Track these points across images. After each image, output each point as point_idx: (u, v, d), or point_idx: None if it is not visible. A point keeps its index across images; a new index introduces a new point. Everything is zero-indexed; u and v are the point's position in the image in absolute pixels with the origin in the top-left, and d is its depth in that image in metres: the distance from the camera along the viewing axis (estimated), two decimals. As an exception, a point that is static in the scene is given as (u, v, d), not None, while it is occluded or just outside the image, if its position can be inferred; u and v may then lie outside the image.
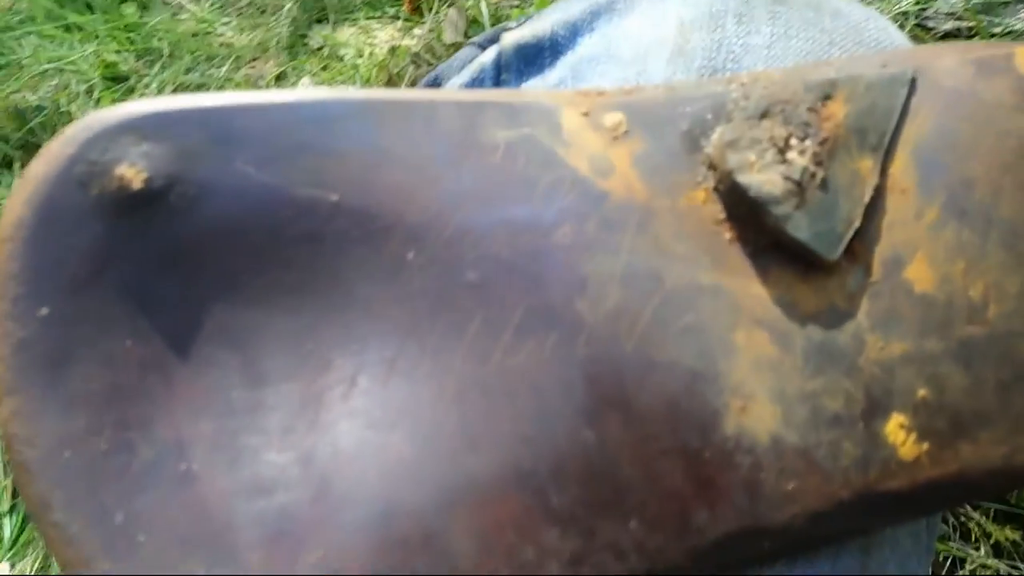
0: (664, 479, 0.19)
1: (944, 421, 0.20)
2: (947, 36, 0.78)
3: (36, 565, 0.69)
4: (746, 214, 0.21)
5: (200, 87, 1.08)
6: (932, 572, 0.56)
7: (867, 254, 0.21)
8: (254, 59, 1.12)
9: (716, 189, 0.22)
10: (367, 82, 0.99)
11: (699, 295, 0.21)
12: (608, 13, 0.28)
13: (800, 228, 0.21)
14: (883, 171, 0.22)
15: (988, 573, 0.55)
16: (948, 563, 0.56)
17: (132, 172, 0.19)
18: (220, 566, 0.18)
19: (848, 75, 0.23)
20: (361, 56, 1.10)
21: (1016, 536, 0.55)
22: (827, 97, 0.22)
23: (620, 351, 0.20)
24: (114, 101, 1.07)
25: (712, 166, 0.22)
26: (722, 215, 0.22)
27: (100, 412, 0.18)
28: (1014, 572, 0.54)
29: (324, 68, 1.08)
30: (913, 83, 0.23)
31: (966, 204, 0.22)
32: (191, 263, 0.19)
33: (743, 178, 0.21)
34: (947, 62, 0.23)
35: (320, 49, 1.13)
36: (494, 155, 0.21)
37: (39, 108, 1.00)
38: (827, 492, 0.20)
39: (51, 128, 1.02)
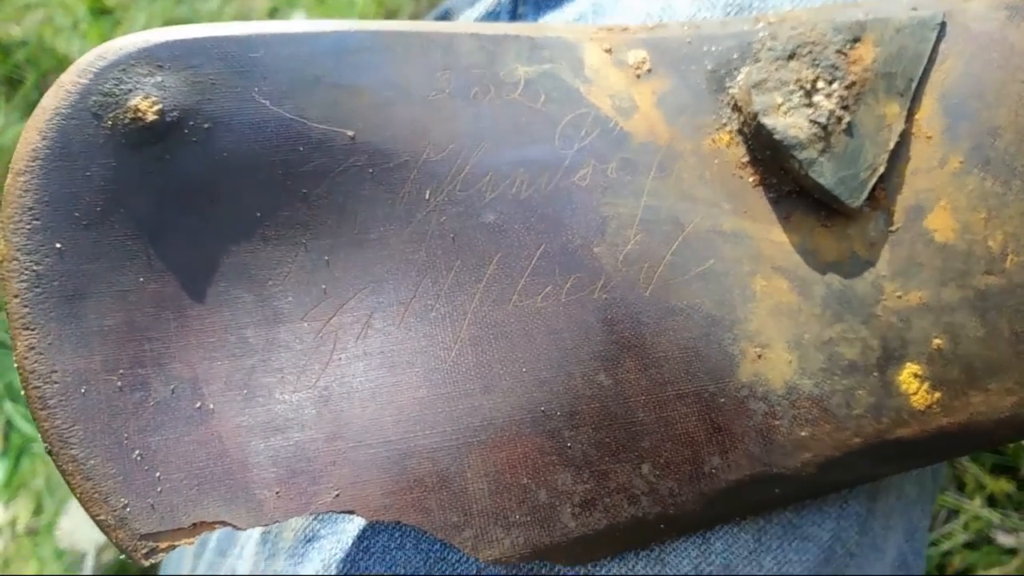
0: (678, 424, 0.19)
1: (957, 371, 0.21)
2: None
3: (31, 507, 0.70)
4: (770, 158, 0.21)
5: (189, 20, 1.05)
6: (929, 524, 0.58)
7: (889, 201, 0.21)
8: (246, -8, 1.08)
9: (741, 131, 0.21)
10: (363, 19, 0.97)
11: (719, 240, 0.21)
12: None
13: (824, 174, 0.21)
14: (909, 116, 0.22)
15: (980, 524, 0.56)
16: (944, 515, 0.57)
17: (146, 104, 0.18)
18: (235, 503, 0.18)
19: (877, 18, 0.22)
20: (356, -8, 1.07)
21: (1010, 488, 0.56)
22: (856, 40, 0.22)
23: (638, 296, 0.20)
24: (100, 35, 1.04)
25: (737, 107, 0.22)
26: (746, 158, 0.21)
27: (115, 348, 0.18)
28: (1006, 520, 0.55)
29: (320, 2, 1.06)
30: (943, 27, 0.22)
31: (990, 153, 0.22)
32: (206, 197, 0.19)
33: (769, 120, 0.21)
34: (978, 5, 0.23)
35: (314, -17, 1.09)
36: (514, 91, 0.21)
37: (23, 42, 0.97)
38: (839, 440, 0.20)
39: (35, 63, 0.99)
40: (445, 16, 0.32)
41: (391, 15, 0.93)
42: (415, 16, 0.94)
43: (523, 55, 0.21)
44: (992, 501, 0.56)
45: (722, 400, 0.20)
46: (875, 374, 0.20)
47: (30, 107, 1.01)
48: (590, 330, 0.20)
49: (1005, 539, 0.55)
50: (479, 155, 0.20)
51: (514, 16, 0.28)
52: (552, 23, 0.22)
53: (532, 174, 0.20)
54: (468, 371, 0.19)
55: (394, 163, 0.20)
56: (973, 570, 0.55)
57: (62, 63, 1.04)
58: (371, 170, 0.19)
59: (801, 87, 0.21)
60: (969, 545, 0.56)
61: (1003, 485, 0.56)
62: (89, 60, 0.18)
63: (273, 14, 1.06)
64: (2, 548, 0.75)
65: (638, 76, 0.22)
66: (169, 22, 1.05)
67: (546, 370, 0.19)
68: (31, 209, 0.17)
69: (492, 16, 0.28)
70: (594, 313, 0.20)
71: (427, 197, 0.20)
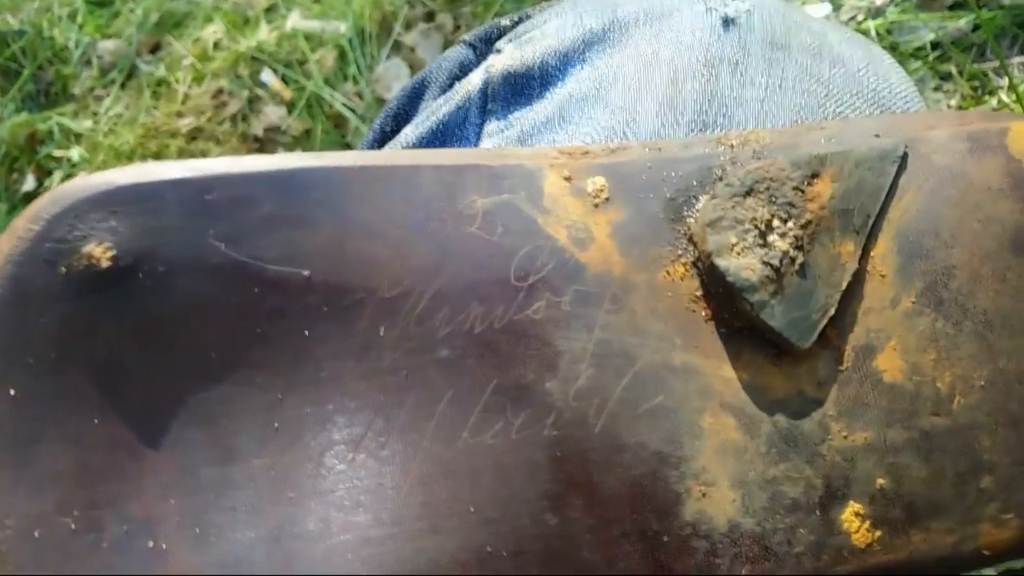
0: (622, 562, 0.20)
1: (899, 510, 0.21)
2: (955, 6, 0.76)
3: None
4: (723, 296, 0.21)
5: (186, 15, 1.04)
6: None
7: (840, 341, 0.22)
8: (244, -13, 1.08)
9: (695, 264, 0.22)
10: (359, 18, 0.96)
11: (670, 376, 0.21)
12: (601, 43, 0.27)
13: (775, 316, 0.21)
14: (864, 254, 0.22)
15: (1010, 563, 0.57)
16: None
17: (100, 251, 0.18)
18: None
19: (837, 150, 0.22)
20: (355, -11, 1.06)
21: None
22: (814, 175, 0.22)
23: (587, 432, 0.20)
24: (97, 26, 1.04)
25: (693, 241, 0.22)
26: (699, 292, 0.22)
27: (69, 491, 0.18)
28: None
29: (316, 1, 1.05)
30: (903, 159, 0.23)
31: (943, 293, 0.22)
32: (160, 340, 0.19)
33: (722, 262, 0.21)
34: (940, 135, 0.23)
35: (313, -21, 1.08)
36: (472, 224, 0.21)
37: (20, 32, 0.97)
38: None
39: (32, 53, 0.99)
40: (420, 85, 0.32)
41: (387, 19, 0.92)
42: (409, 22, 0.93)
43: (482, 186, 0.21)
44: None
45: (666, 538, 0.20)
46: (817, 512, 0.21)
47: (27, 98, 1.01)
48: (538, 468, 0.20)
49: (991, 572, 0.56)
50: (434, 290, 0.20)
51: (483, 112, 0.28)
52: (513, 148, 0.22)
53: (487, 308, 0.21)
54: (415, 511, 0.19)
55: (349, 301, 0.20)
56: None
57: (59, 54, 1.04)
58: (326, 308, 0.20)
59: (756, 227, 0.21)
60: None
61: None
62: (42, 205, 0.18)
63: (271, 11, 1.05)
64: None
65: (596, 205, 0.22)
66: (166, 15, 1.05)
67: (493, 509, 0.20)
68: None
69: (462, 111, 0.28)
70: (544, 450, 0.20)
71: (382, 334, 0.20)
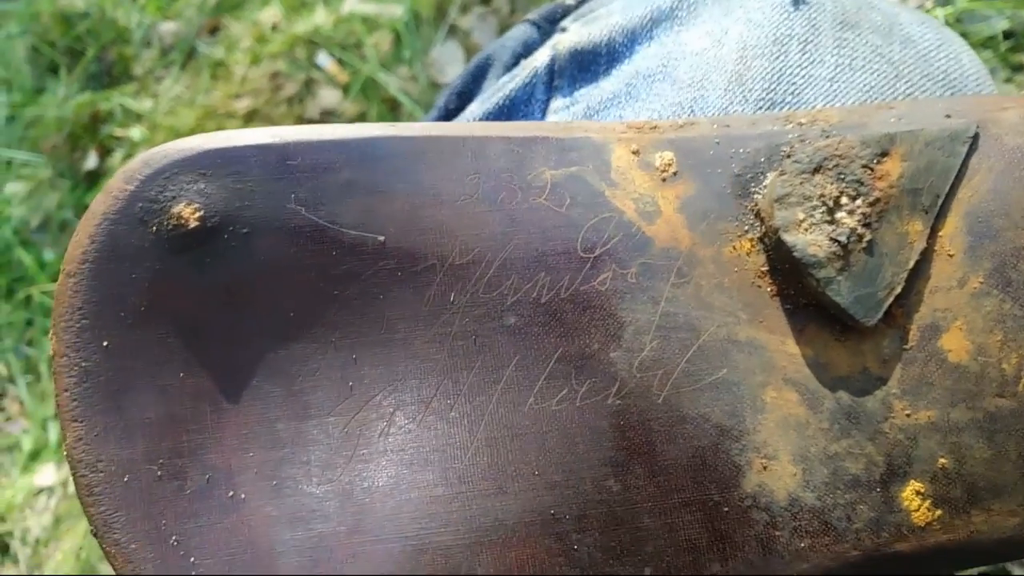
0: (681, 531, 0.20)
1: (960, 490, 0.21)
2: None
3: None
4: (789, 272, 0.21)
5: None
6: None
7: (905, 319, 0.22)
8: (301, -30, 1.09)
9: (762, 240, 0.22)
10: (416, 2, 0.97)
11: (734, 350, 0.21)
12: (669, 20, 0.27)
13: (841, 292, 0.21)
14: (932, 234, 0.22)
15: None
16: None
17: (189, 211, 0.19)
18: None
19: (908, 130, 0.22)
20: (412, -27, 1.07)
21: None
22: (884, 154, 0.22)
23: (651, 403, 0.21)
24: (159, 8, 1.06)
25: (760, 216, 0.22)
26: (765, 268, 0.22)
27: (156, 439, 0.19)
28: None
29: (372, -15, 1.05)
30: (975, 140, 0.22)
31: (1012, 274, 0.22)
32: (242, 298, 0.20)
33: (789, 237, 0.21)
34: (1012, 116, 0.23)
35: (369, -36, 1.09)
36: (540, 195, 0.21)
37: (85, 14, 1.00)
38: (837, 552, 0.21)
39: (96, 34, 1.02)
40: (485, 62, 0.32)
41: (443, 1, 0.93)
42: (466, 6, 0.94)
43: (551, 158, 0.22)
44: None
45: (726, 509, 0.20)
46: (878, 490, 0.21)
47: (90, 78, 1.04)
48: (602, 435, 0.21)
49: (1020, 572, 0.55)
50: (503, 258, 0.21)
51: (549, 88, 0.28)
52: (581, 122, 0.22)
53: (553, 278, 0.21)
54: (483, 472, 0.20)
55: (421, 266, 0.21)
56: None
57: (122, 35, 1.06)
58: (399, 273, 0.20)
59: (824, 203, 0.21)
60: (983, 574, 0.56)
61: None
62: (135, 167, 0.19)
63: (326, -7, 1.06)
64: (54, 506, 0.79)
65: (663, 179, 0.22)
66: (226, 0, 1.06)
67: (557, 474, 0.20)
68: (80, 309, 0.19)
69: (528, 87, 0.29)
70: (607, 418, 0.21)
71: (452, 299, 0.21)
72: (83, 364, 0.19)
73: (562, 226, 0.21)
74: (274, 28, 1.01)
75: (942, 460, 0.21)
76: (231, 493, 0.19)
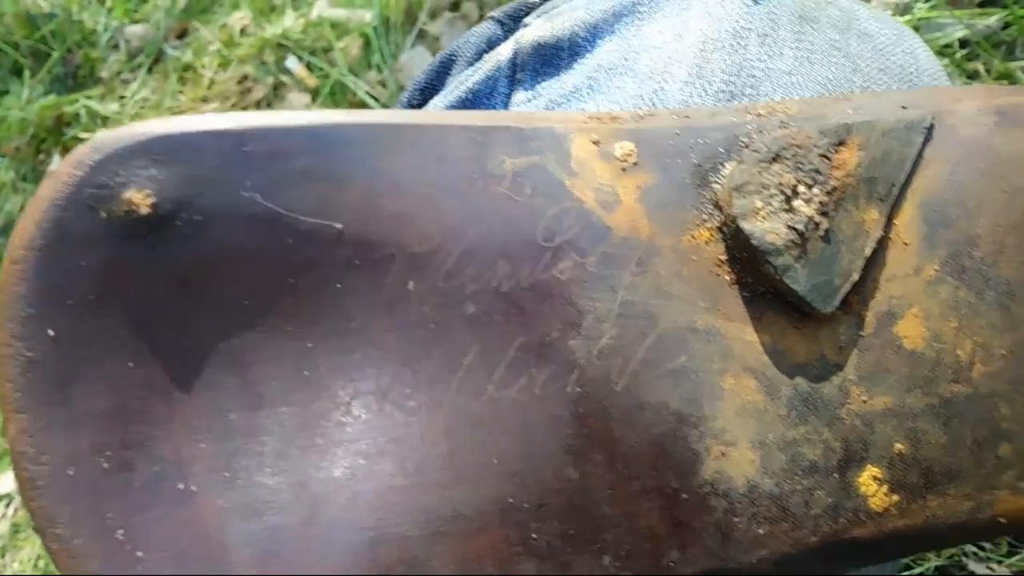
0: (640, 518, 0.20)
1: (917, 475, 0.21)
2: (985, 3, 0.75)
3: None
4: (747, 260, 0.22)
5: (214, 2, 1.05)
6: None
7: (862, 307, 0.22)
8: (271, -26, 1.08)
9: (720, 230, 0.22)
10: (385, 7, 0.97)
11: (692, 337, 0.21)
12: (631, 15, 0.28)
13: (798, 280, 0.21)
14: (888, 222, 0.22)
15: (954, 551, 0.57)
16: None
17: (140, 196, 0.19)
18: None
19: (864, 120, 0.22)
20: (382, -21, 1.07)
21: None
22: (841, 143, 0.22)
23: (610, 390, 0.21)
24: (126, 11, 1.05)
25: (719, 206, 0.22)
26: (723, 256, 0.22)
27: (103, 431, 0.19)
28: (979, 553, 0.56)
29: (343, -10, 1.05)
30: (930, 130, 0.23)
31: (966, 262, 0.22)
32: (195, 287, 0.19)
33: (747, 225, 0.21)
34: (968, 107, 0.23)
35: (339, -33, 1.09)
36: (501, 184, 0.21)
37: (51, 15, 0.98)
38: (796, 538, 0.21)
39: (62, 36, 1.00)
40: (449, 59, 0.32)
41: (412, 6, 0.93)
42: (435, 9, 0.94)
43: (512, 147, 0.21)
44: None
45: (684, 496, 0.20)
46: (835, 475, 0.21)
47: (55, 81, 1.02)
48: (561, 423, 0.20)
49: (976, 567, 0.56)
50: (463, 247, 0.21)
51: (512, 82, 0.28)
52: (542, 112, 0.22)
53: (513, 267, 0.21)
54: (441, 461, 0.20)
55: (379, 254, 0.20)
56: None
57: (88, 37, 1.05)
58: (357, 261, 0.20)
59: (781, 192, 0.21)
60: (941, 571, 0.57)
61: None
62: (85, 152, 0.19)
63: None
64: (12, 515, 0.77)
65: (623, 169, 0.22)
66: (193, 1, 1.05)
67: (516, 462, 0.20)
68: (25, 297, 0.18)
69: (491, 81, 0.28)
70: (567, 406, 0.20)
71: (410, 288, 0.20)
72: (27, 354, 0.18)
73: (522, 215, 0.21)
74: (243, 32, 1.00)
75: (899, 446, 0.21)
76: (181, 485, 0.19)
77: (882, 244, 0.22)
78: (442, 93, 0.30)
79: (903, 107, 0.23)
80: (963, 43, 0.78)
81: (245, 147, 0.20)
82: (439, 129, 0.21)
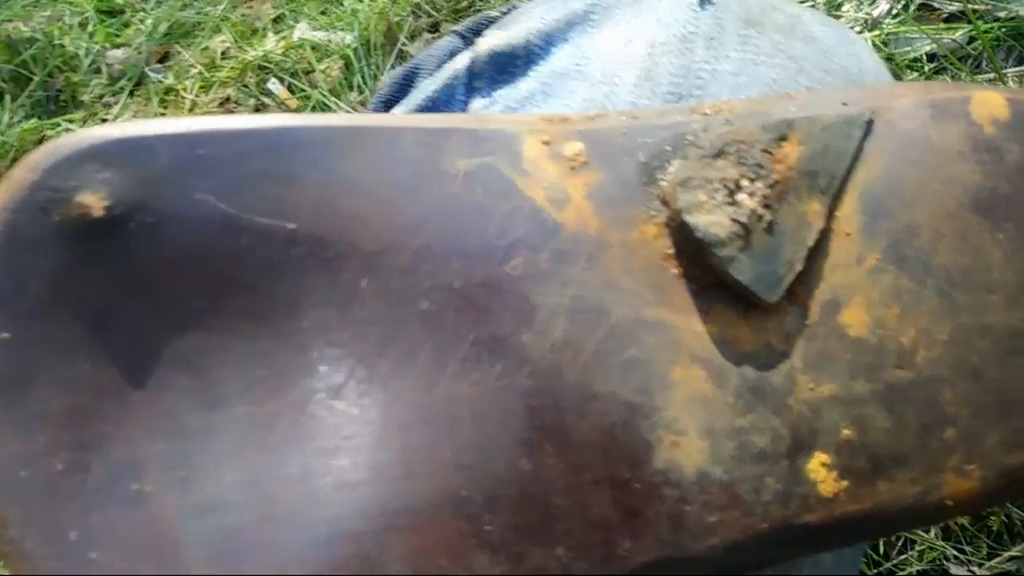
0: (592, 508, 0.21)
1: (864, 460, 0.22)
2: (951, 19, 0.77)
3: None
4: (693, 252, 0.22)
5: (196, 24, 1.06)
6: (884, 551, 0.59)
7: (806, 296, 0.22)
8: (251, -2, 1.10)
9: (667, 225, 0.22)
10: (365, 29, 0.98)
11: (642, 330, 0.22)
12: (583, 23, 0.28)
13: (743, 271, 0.22)
14: (830, 214, 0.23)
15: (935, 554, 0.57)
16: (900, 543, 0.58)
17: (93, 199, 0.19)
18: None
19: (806, 115, 0.23)
20: (361, 1, 1.08)
21: (967, 521, 0.58)
22: (783, 138, 0.23)
23: (562, 382, 0.21)
24: (108, 35, 1.06)
25: (665, 201, 0.23)
26: (671, 250, 0.22)
27: (58, 432, 0.19)
28: (960, 556, 0.57)
29: (323, 12, 1.06)
30: (869, 125, 0.23)
31: (906, 251, 0.23)
32: (150, 289, 0.20)
33: (691, 218, 0.22)
34: (905, 103, 0.24)
35: (319, -9, 1.10)
36: (453, 184, 0.22)
37: (31, 40, 0.99)
38: (747, 525, 0.21)
39: (43, 61, 1.01)
40: (411, 73, 0.33)
41: (392, 32, 0.94)
42: (415, 32, 0.95)
43: (465, 148, 0.22)
44: (947, 532, 0.58)
45: (636, 486, 0.21)
46: (784, 462, 0.21)
47: (36, 105, 1.03)
48: (514, 416, 0.21)
49: (957, 571, 0.56)
50: (417, 245, 0.21)
51: (469, 89, 0.29)
52: (495, 115, 0.23)
53: (467, 264, 0.21)
54: (394, 457, 0.20)
55: (333, 254, 0.21)
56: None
57: (69, 61, 1.06)
58: (311, 261, 0.21)
59: (725, 186, 0.22)
60: (923, 574, 0.57)
61: (959, 518, 0.57)
62: (39, 156, 0.19)
63: (278, 21, 1.07)
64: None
65: (573, 168, 0.23)
66: (175, 25, 1.06)
67: (469, 455, 0.20)
68: None
69: (448, 89, 0.29)
70: (519, 399, 0.21)
71: (364, 286, 0.21)
72: None
73: (475, 214, 0.22)
74: (224, 55, 1.01)
75: (846, 432, 0.22)
76: (136, 486, 0.19)
77: (825, 235, 0.22)
78: (403, 103, 0.31)
79: (844, 103, 0.24)
80: (931, 57, 0.80)
81: (199, 150, 0.20)
82: (393, 131, 0.22)
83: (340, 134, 0.21)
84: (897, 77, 0.78)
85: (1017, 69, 0.75)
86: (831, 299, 0.22)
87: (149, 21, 1.06)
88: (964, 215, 0.23)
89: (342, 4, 1.04)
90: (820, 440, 0.22)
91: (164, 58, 1.02)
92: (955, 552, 0.58)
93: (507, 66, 0.29)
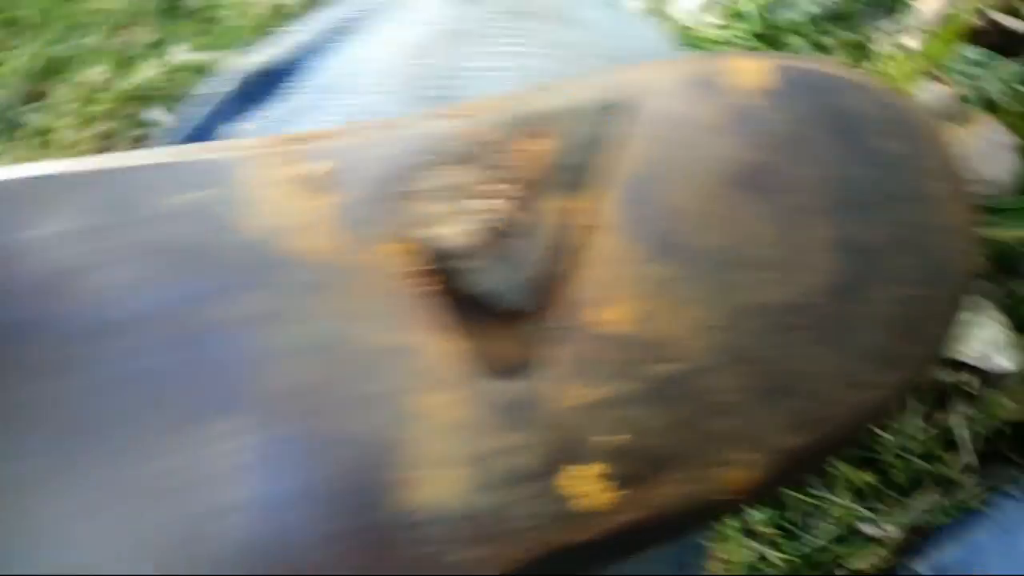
0: (344, 562, 0.19)
1: (641, 464, 0.20)
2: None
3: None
4: (437, 268, 0.20)
5: (71, 59, 1.02)
6: (798, 521, 0.58)
7: (569, 299, 0.21)
8: (128, 25, 1.06)
9: (409, 240, 0.21)
10: (246, 45, 0.95)
11: (385, 359, 0.20)
12: (353, 33, 0.27)
13: (491, 280, 0.20)
14: (588, 209, 0.21)
15: (849, 518, 0.57)
16: (811, 512, 0.58)
17: None
18: None
19: (557, 107, 0.22)
20: (244, 18, 1.05)
21: (873, 479, 0.57)
22: (534, 134, 0.21)
23: (295, 431, 0.19)
24: (-22, 79, 1.01)
25: (406, 216, 0.21)
26: (415, 268, 0.21)
27: None
28: (871, 516, 0.56)
29: (203, 33, 1.03)
30: (627, 110, 0.22)
31: (672, 238, 0.21)
32: None
33: (431, 231, 0.20)
34: (662, 82, 0.22)
35: (198, 12, 1.07)
36: (161, 226, 0.20)
37: None
38: (513, 555, 0.19)
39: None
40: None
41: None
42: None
43: (169, 185, 0.20)
44: (859, 494, 0.58)
45: (385, 532, 0.19)
46: (554, 479, 0.20)
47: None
48: (242, 476, 0.19)
49: (871, 530, 0.56)
50: (119, 304, 0.19)
51: (234, 111, 0.27)
52: (217, 142, 0.21)
53: (178, 315, 0.19)
54: (88, 541, 0.18)
55: (29, 327, 0.19)
56: (845, 563, 0.56)
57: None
58: (9, 334, 0.19)
59: (469, 192, 0.21)
60: (839, 539, 0.57)
61: (866, 477, 0.57)
62: None
63: (157, 46, 1.04)
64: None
65: (313, 189, 0.21)
66: (51, 61, 1.03)
67: (182, 528, 0.18)
68: None
69: (213, 115, 0.27)
70: (247, 456, 0.19)
71: (68, 353, 0.19)
72: None
73: (184, 257, 0.20)
74: (102, 87, 0.98)
75: (619, 437, 0.20)
76: None
77: (583, 232, 0.21)
78: (172, 135, 0.28)
79: (602, 89, 0.22)
80: (813, 20, 0.81)
81: None
82: (89, 175, 0.20)
83: (19, 187, 0.19)
84: (776, 47, 0.78)
85: (893, 24, 0.76)
86: (596, 298, 0.21)
87: (24, 58, 1.02)
88: (730, 192, 0.21)
89: (222, 23, 1.01)
90: (592, 449, 0.20)
91: (40, 96, 0.98)
92: (868, 513, 0.58)
93: (271, 84, 0.27)
